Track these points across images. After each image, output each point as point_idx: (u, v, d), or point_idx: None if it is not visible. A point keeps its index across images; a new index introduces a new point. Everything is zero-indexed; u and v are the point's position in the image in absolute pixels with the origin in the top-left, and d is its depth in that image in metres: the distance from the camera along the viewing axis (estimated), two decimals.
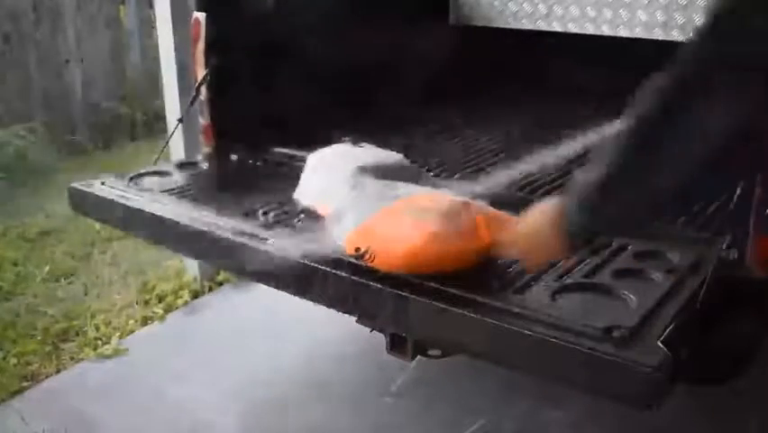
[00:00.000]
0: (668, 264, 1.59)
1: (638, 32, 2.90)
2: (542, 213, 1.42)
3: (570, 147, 1.70)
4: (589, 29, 3.04)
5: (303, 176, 2.05)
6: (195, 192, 2.15)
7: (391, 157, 2.10)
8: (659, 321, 1.36)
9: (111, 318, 3.12)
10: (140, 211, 2.04)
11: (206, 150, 2.48)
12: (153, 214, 2.01)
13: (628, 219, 1.40)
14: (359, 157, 2.01)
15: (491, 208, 1.66)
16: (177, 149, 3.08)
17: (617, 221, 1.39)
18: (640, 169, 1.26)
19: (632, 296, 1.46)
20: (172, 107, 3.20)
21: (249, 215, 1.96)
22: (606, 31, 3.00)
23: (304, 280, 1.69)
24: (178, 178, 2.29)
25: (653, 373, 1.22)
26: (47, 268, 3.54)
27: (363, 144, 2.18)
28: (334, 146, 2.16)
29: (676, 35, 2.78)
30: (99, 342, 2.95)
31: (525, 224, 1.46)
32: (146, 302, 3.25)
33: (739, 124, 1.18)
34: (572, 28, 3.09)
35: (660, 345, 1.28)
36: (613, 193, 1.28)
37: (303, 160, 2.12)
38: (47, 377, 2.75)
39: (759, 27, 1.11)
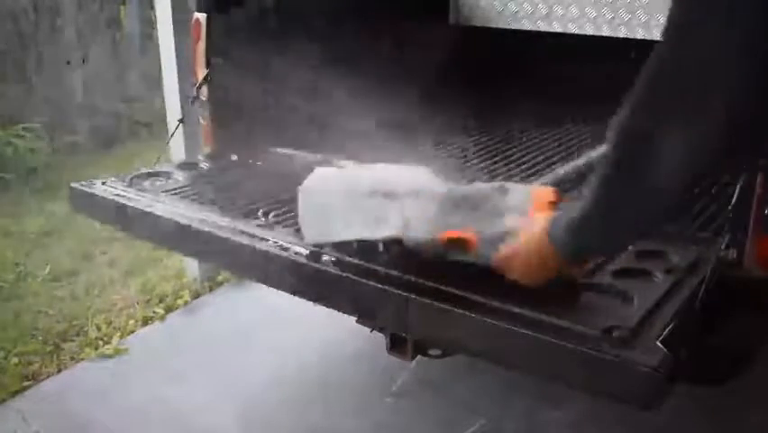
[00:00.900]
0: (668, 264, 1.59)
1: (639, 33, 2.91)
2: (530, 234, 1.39)
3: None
4: (589, 29, 3.04)
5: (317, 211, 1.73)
6: (195, 192, 2.15)
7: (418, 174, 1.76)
8: (659, 321, 1.36)
9: (111, 318, 3.12)
10: (140, 211, 2.04)
11: (207, 150, 2.48)
12: (154, 214, 2.01)
13: (616, 244, 1.40)
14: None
15: None
16: (177, 149, 3.09)
17: (605, 246, 1.38)
18: (620, 199, 1.22)
19: (632, 296, 1.46)
20: (172, 108, 3.20)
21: (249, 215, 1.96)
22: (606, 31, 3.00)
23: (303, 280, 1.69)
24: (178, 178, 2.29)
25: (653, 373, 1.23)
26: (47, 268, 3.54)
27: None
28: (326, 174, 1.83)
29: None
30: (100, 342, 2.96)
31: (516, 245, 1.42)
32: (147, 302, 3.26)
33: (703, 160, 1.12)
34: (572, 28, 3.09)
35: (660, 345, 1.28)
36: (598, 222, 1.27)
37: (303, 160, 2.12)
38: (48, 377, 2.76)
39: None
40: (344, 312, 1.72)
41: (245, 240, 1.80)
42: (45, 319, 3.12)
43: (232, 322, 3.10)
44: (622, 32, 2.95)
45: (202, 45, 2.37)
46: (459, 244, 1.53)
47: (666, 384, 1.26)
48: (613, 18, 2.97)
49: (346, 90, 2.57)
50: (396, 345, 1.77)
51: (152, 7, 4.24)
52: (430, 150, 2.62)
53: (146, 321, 3.13)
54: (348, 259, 1.63)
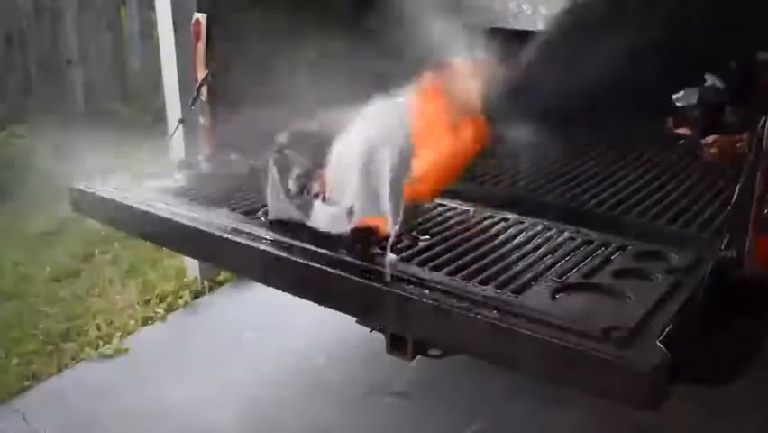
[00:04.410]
0: (668, 265, 1.59)
1: None
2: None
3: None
4: None
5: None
6: (195, 192, 2.15)
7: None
8: (659, 321, 1.37)
9: (112, 318, 3.12)
10: (140, 211, 2.04)
11: (207, 150, 2.48)
12: (154, 214, 2.01)
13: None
14: None
15: None
16: (177, 149, 3.08)
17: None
18: None
19: (632, 296, 1.46)
20: (173, 108, 3.20)
21: (249, 215, 1.96)
22: None
23: (304, 280, 1.70)
24: (178, 178, 2.29)
25: (653, 373, 1.23)
26: (48, 268, 3.54)
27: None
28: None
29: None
30: (100, 342, 2.96)
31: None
32: (147, 302, 3.26)
33: None
34: None
35: (659, 345, 1.28)
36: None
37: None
38: (48, 377, 2.76)
39: None
40: (345, 312, 1.73)
41: (245, 240, 1.80)
42: (46, 319, 3.12)
43: (232, 322, 3.10)
44: None
45: (202, 45, 2.37)
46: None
47: (666, 384, 1.26)
48: None
49: (344, 88, 2.57)
50: (396, 345, 1.77)
51: (152, 7, 4.24)
52: None
53: (146, 321, 3.13)
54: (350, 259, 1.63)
